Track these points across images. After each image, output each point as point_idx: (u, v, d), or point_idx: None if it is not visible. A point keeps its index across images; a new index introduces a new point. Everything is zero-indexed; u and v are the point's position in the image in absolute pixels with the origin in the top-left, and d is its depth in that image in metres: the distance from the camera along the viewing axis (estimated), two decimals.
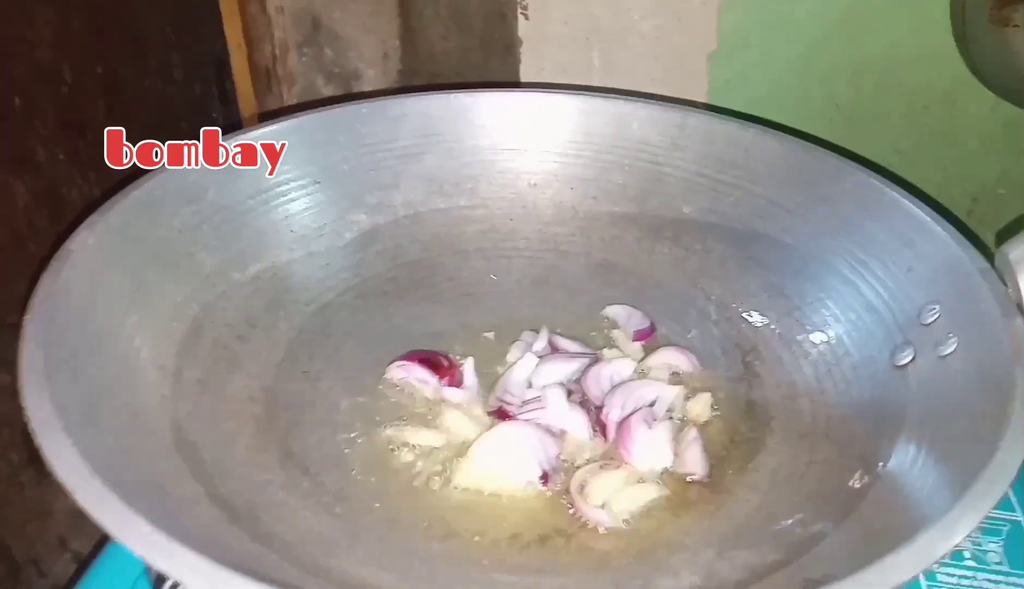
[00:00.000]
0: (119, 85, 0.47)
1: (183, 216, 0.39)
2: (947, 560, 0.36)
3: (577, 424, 0.37)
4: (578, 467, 0.36)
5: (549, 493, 0.34)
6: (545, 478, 0.35)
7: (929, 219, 0.37)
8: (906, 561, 0.22)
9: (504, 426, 0.36)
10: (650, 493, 0.34)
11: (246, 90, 0.65)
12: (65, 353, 0.29)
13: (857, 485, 0.31)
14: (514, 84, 0.58)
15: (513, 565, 0.31)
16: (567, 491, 0.34)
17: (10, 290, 0.39)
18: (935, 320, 0.35)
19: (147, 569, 0.34)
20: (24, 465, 0.42)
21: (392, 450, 0.36)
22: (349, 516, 0.33)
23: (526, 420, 0.37)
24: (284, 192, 0.44)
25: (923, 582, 0.36)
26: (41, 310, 0.30)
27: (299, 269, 0.43)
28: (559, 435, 0.37)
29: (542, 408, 0.37)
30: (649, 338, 0.43)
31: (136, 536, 0.22)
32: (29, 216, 0.40)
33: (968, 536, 0.23)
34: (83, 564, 0.42)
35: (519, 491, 0.34)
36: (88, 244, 0.34)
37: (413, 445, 0.37)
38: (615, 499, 0.34)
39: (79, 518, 0.45)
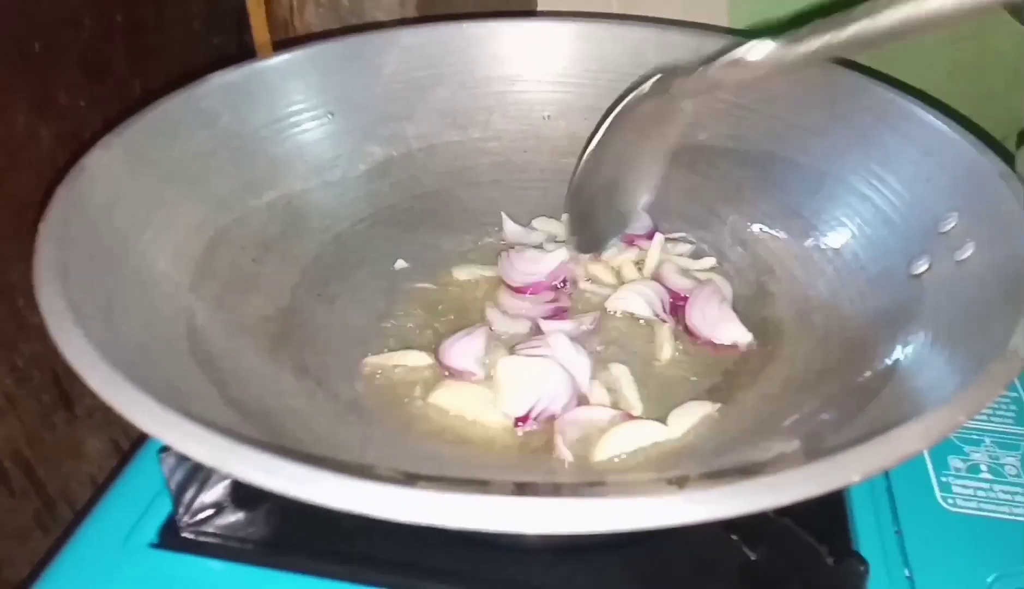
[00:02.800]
0: (140, 33, 0.47)
1: (198, 140, 0.40)
2: (964, 473, 0.36)
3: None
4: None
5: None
6: (524, 420, 0.34)
7: (948, 128, 0.36)
8: (914, 433, 0.22)
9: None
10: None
11: (264, 42, 0.66)
12: (80, 258, 0.30)
13: (870, 383, 0.30)
14: (528, 13, 0.58)
15: (519, 466, 0.31)
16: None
17: (35, 230, 0.39)
18: (953, 227, 0.34)
19: (167, 483, 0.35)
20: (56, 406, 0.43)
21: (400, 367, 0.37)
22: (361, 424, 0.33)
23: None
24: (298, 122, 0.44)
25: (939, 494, 0.35)
26: (56, 217, 0.31)
27: (314, 198, 0.44)
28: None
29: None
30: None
31: (146, 414, 0.22)
32: (53, 158, 0.41)
33: (974, 416, 0.23)
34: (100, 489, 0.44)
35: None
36: (103, 161, 0.35)
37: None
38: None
39: (108, 458, 0.47)
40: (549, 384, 0.34)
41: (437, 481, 0.19)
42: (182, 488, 0.34)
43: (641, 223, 0.45)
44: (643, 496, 0.18)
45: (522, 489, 0.19)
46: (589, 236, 0.43)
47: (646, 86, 0.38)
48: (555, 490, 0.18)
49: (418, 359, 0.37)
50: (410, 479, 0.19)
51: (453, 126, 0.48)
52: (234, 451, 0.21)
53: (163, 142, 0.38)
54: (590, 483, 0.29)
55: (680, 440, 0.32)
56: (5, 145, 0.38)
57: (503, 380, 0.34)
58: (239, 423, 0.29)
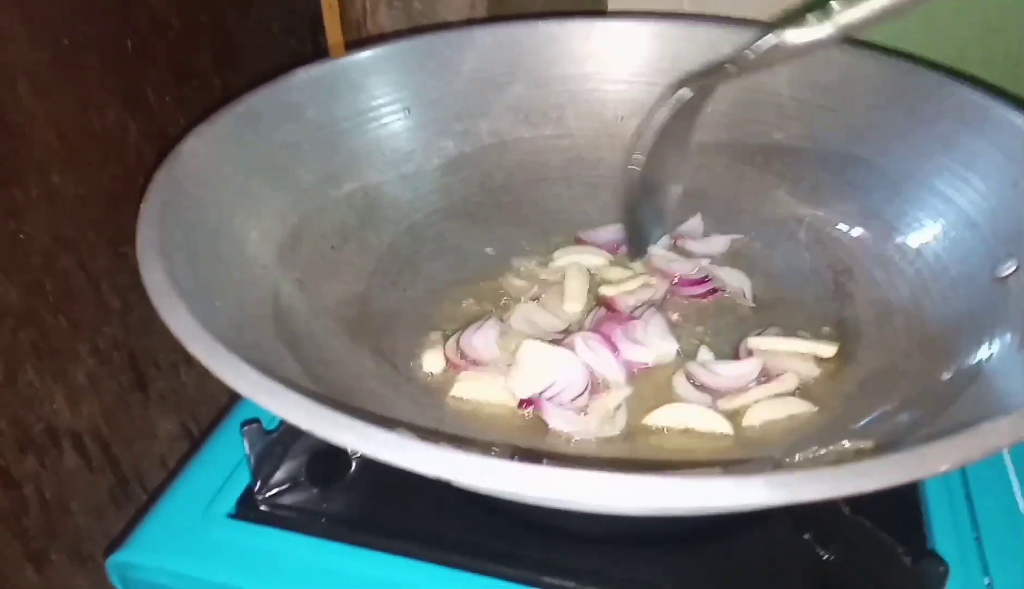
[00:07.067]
0: (223, 35, 0.49)
1: (284, 132, 0.41)
2: None
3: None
4: None
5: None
6: (527, 403, 0.35)
7: None
8: (1003, 428, 0.21)
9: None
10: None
11: (337, 43, 0.67)
12: (177, 240, 0.31)
13: (952, 386, 0.30)
14: (599, 13, 0.58)
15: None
16: None
17: (120, 220, 0.41)
18: None
19: (248, 456, 0.36)
20: (132, 388, 0.45)
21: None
22: (435, 407, 0.34)
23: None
24: (377, 116, 0.45)
25: (1021, 500, 0.34)
26: (155, 199, 0.32)
27: (389, 190, 0.45)
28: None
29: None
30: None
31: (246, 381, 0.24)
32: (139, 153, 0.43)
33: None
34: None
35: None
36: (197, 149, 0.36)
37: None
38: None
39: (178, 440, 0.49)
40: (563, 373, 0.34)
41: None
42: (260, 462, 0.35)
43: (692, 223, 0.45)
44: (726, 478, 0.19)
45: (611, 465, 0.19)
46: (637, 242, 0.44)
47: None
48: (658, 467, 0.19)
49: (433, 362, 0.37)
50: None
51: (525, 123, 0.49)
52: (330, 417, 0.22)
53: (251, 133, 0.40)
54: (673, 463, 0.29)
55: (749, 435, 0.32)
56: (98, 139, 0.40)
57: (520, 361, 0.35)
58: (323, 397, 0.30)
